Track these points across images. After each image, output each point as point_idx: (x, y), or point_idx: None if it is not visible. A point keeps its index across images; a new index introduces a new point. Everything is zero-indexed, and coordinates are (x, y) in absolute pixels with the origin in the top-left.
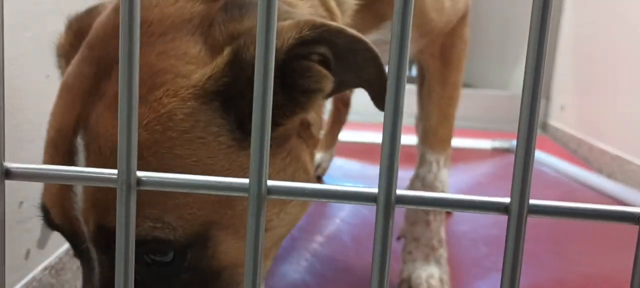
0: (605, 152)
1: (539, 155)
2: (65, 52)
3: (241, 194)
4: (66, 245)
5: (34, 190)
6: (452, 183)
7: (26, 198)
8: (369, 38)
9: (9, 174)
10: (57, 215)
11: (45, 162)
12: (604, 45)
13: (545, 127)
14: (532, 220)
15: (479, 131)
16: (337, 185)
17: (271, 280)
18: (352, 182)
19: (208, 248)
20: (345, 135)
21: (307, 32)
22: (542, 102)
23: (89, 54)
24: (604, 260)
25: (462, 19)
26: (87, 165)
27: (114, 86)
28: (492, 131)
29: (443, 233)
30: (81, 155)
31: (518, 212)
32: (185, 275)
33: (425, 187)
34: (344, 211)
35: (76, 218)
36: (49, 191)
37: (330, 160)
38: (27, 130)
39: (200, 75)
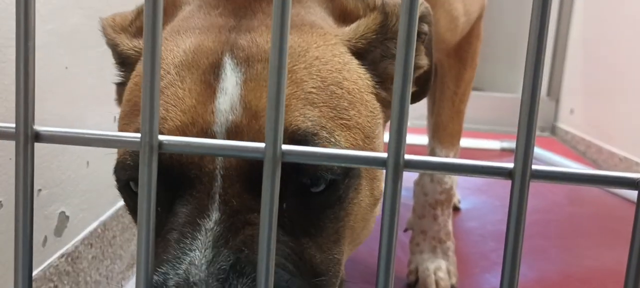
0: (614, 154)
1: (547, 154)
2: (126, 28)
3: (257, 157)
4: (83, 234)
5: (52, 179)
6: (461, 181)
7: (44, 186)
8: None
9: (38, 137)
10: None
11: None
12: (613, 49)
13: (554, 129)
14: (539, 218)
15: (488, 133)
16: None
17: None
18: None
19: (352, 190)
20: None
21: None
22: (551, 105)
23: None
24: (609, 255)
25: (478, 18)
26: (245, 79)
27: (261, 20)
28: (501, 133)
29: (450, 227)
30: (231, 72)
31: (521, 177)
32: (322, 215)
33: (433, 182)
34: None
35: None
36: (173, 115)
37: None
38: (48, 120)
39: (351, 32)
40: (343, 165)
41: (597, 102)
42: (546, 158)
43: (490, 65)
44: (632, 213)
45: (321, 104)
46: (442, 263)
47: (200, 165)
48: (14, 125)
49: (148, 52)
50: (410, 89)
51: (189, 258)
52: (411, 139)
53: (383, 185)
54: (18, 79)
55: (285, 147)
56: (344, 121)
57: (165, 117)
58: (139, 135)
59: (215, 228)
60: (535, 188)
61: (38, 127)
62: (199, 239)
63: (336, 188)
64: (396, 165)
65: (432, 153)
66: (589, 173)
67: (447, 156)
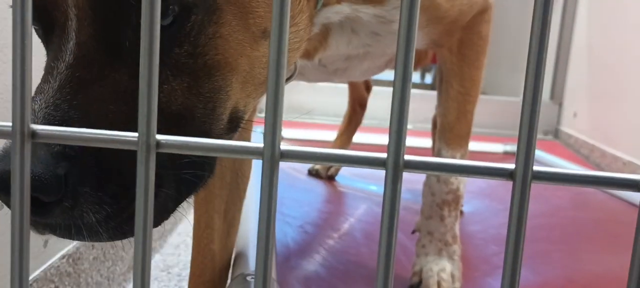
0: (617, 158)
1: (550, 158)
2: None
3: (255, 158)
4: None
5: None
6: None
7: None
8: (372, 11)
9: (35, 135)
10: None
11: None
12: (616, 52)
13: (557, 133)
14: (542, 222)
15: (491, 136)
16: (352, 152)
17: (284, 269)
18: (364, 181)
19: (211, 23)
20: (360, 137)
21: None
22: (555, 108)
23: None
24: (613, 260)
25: (482, 14)
26: None
27: None
28: (504, 137)
29: (457, 230)
30: None
31: (522, 178)
32: (178, 50)
33: (439, 182)
34: (358, 210)
35: None
36: None
37: None
38: None
39: None
40: (342, 165)
41: (601, 105)
42: (549, 162)
43: (493, 69)
44: (636, 218)
45: None
46: (447, 266)
47: (57, 4)
48: (10, 123)
49: (145, 53)
50: (410, 89)
51: (36, 104)
52: (411, 141)
53: (267, 22)
54: (15, 77)
55: (283, 147)
56: None
57: None
58: (136, 134)
59: (64, 72)
60: (539, 192)
61: (34, 126)
62: (49, 82)
63: (186, 19)
64: (396, 165)
65: (438, 155)
66: (591, 174)
67: (453, 157)
